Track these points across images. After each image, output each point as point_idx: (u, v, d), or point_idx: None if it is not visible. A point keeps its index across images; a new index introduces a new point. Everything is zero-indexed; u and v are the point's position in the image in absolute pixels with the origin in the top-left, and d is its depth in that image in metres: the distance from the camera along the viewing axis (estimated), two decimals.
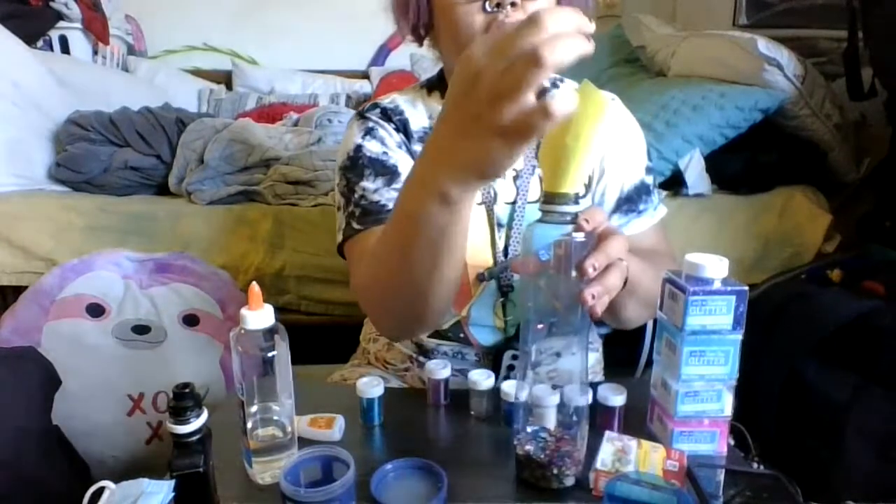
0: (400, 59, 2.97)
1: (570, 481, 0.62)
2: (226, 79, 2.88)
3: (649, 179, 0.88)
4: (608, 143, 0.87)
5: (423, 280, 0.62)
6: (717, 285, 0.61)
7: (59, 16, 2.34)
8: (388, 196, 0.79)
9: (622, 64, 2.06)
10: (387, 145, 0.84)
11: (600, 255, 0.56)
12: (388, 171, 0.81)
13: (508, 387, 0.73)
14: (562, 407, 0.62)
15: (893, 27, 1.34)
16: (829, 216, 1.52)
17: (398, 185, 0.80)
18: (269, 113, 2.28)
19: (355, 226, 0.79)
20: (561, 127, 0.50)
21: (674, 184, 1.50)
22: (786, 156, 1.55)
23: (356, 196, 0.81)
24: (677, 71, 1.82)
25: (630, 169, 0.88)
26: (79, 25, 2.38)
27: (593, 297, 0.56)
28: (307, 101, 2.58)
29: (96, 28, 2.42)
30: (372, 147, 0.83)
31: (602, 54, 2.12)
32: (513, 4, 0.71)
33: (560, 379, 0.61)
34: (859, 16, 1.44)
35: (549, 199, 0.55)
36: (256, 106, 2.50)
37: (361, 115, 0.87)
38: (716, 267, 0.61)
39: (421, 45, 0.86)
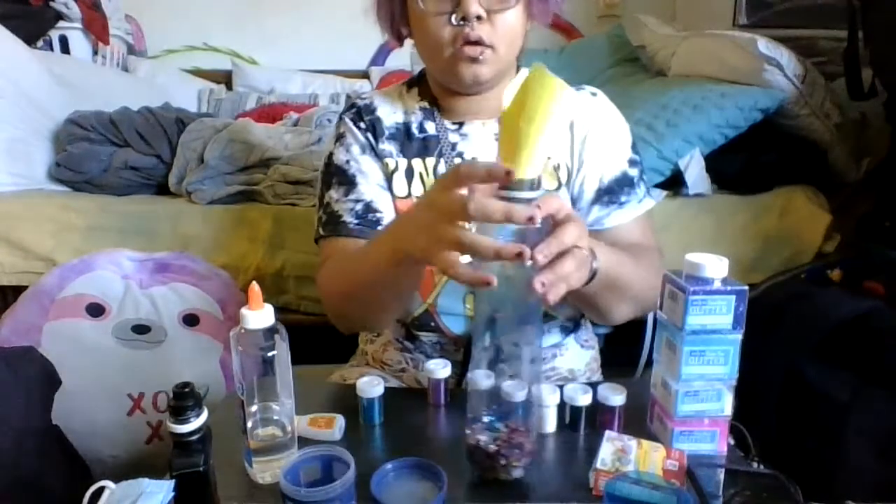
0: (400, 59, 2.96)
1: (518, 473, 0.62)
2: (226, 79, 2.88)
3: (633, 172, 0.88)
4: (589, 135, 0.87)
5: (373, 303, 0.74)
6: (717, 285, 0.61)
7: (59, 16, 2.34)
8: (344, 207, 0.84)
9: (622, 64, 2.06)
10: (351, 153, 0.87)
11: (552, 241, 0.56)
12: (347, 181, 0.85)
13: (509, 387, 0.73)
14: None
15: (893, 27, 1.34)
16: (829, 216, 1.51)
17: (354, 195, 0.84)
18: (269, 113, 2.27)
19: (321, 231, 0.85)
20: (515, 110, 0.52)
21: (674, 184, 1.50)
22: (785, 155, 1.55)
23: (324, 202, 0.86)
24: (677, 71, 1.82)
25: (610, 160, 0.87)
26: (79, 25, 2.38)
27: (543, 284, 0.55)
28: (307, 101, 2.58)
29: (96, 28, 2.41)
30: (339, 156, 0.87)
31: (602, 54, 2.12)
32: (478, 18, 0.74)
33: (514, 369, 0.61)
34: (859, 16, 1.44)
35: (506, 185, 0.54)
36: (256, 106, 2.50)
37: (340, 118, 0.91)
38: (716, 267, 0.62)
39: (401, 45, 0.89)
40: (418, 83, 0.92)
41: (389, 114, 0.89)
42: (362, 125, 0.88)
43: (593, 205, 0.86)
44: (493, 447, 0.61)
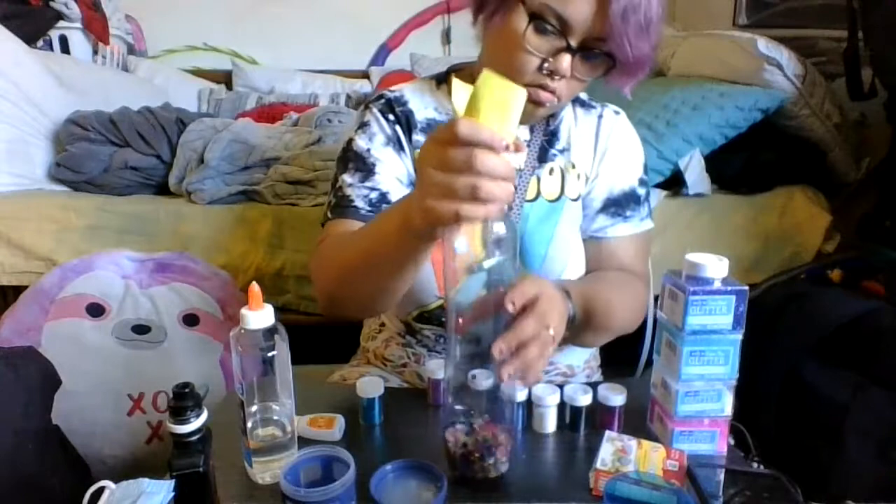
0: (400, 59, 2.97)
1: (503, 468, 0.62)
2: (226, 79, 2.88)
3: (641, 191, 0.91)
4: (609, 150, 0.89)
5: (370, 284, 0.70)
6: (717, 285, 0.62)
7: (59, 16, 2.33)
8: (357, 193, 0.83)
9: None
10: (373, 143, 0.86)
11: (510, 336, 0.58)
12: (365, 168, 0.84)
13: (508, 386, 0.73)
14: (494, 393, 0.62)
15: (893, 27, 1.34)
16: (829, 216, 1.52)
17: (370, 183, 0.83)
18: (269, 113, 2.27)
19: (329, 214, 0.84)
20: (472, 116, 0.51)
21: (674, 184, 1.50)
22: (785, 156, 1.55)
23: (337, 186, 0.85)
24: (677, 71, 1.82)
25: (622, 174, 0.90)
26: (79, 25, 2.37)
27: (510, 375, 0.58)
28: (307, 101, 2.58)
29: (96, 28, 2.41)
30: (360, 143, 0.86)
31: None
32: (561, 78, 0.75)
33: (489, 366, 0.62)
34: (859, 16, 1.44)
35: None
36: (256, 106, 2.50)
37: (366, 107, 0.89)
38: (716, 267, 0.62)
39: (475, 21, 0.84)
40: (446, 80, 0.91)
41: (421, 108, 0.88)
42: (391, 117, 0.87)
43: (600, 213, 0.89)
44: (470, 448, 0.61)
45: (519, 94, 0.50)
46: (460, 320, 0.60)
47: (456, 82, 0.53)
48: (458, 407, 0.63)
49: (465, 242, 0.56)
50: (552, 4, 0.71)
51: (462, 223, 0.51)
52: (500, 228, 0.56)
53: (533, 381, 0.60)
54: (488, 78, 0.50)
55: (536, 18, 0.72)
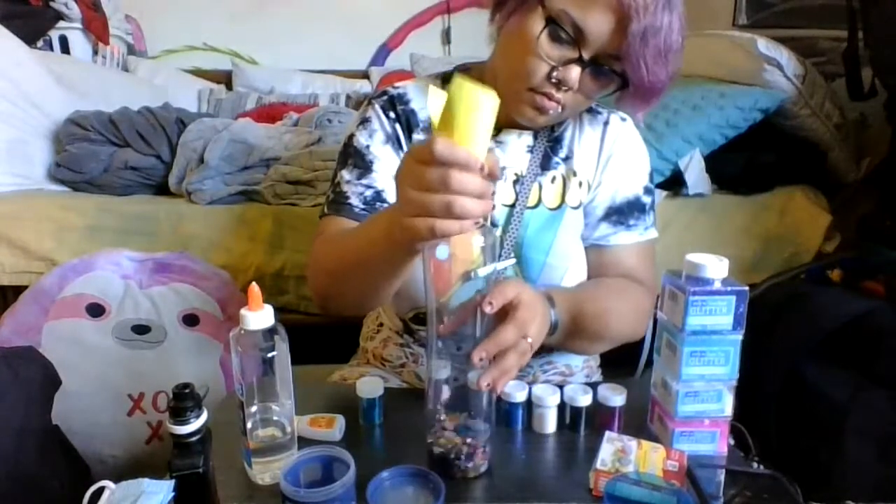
0: (400, 59, 2.97)
1: (473, 473, 0.63)
2: (226, 79, 2.89)
3: (646, 199, 0.89)
4: (612, 157, 0.88)
5: (361, 283, 0.71)
6: (717, 285, 0.62)
7: (59, 16, 2.34)
8: (353, 190, 0.83)
9: None
10: (373, 140, 0.86)
11: (489, 343, 0.59)
12: (363, 165, 0.84)
13: (509, 387, 0.73)
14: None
15: (893, 27, 1.34)
16: (829, 216, 1.52)
17: (367, 181, 0.83)
18: (269, 113, 2.27)
19: (325, 209, 0.85)
20: (446, 128, 0.51)
21: (674, 184, 1.50)
22: (785, 156, 1.55)
23: (335, 181, 0.86)
24: None
25: (627, 182, 0.89)
26: (79, 25, 2.38)
27: (488, 384, 0.59)
28: (307, 101, 2.58)
29: (96, 28, 2.42)
30: (360, 139, 0.86)
31: None
32: (567, 89, 0.74)
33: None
34: (859, 16, 1.44)
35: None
36: (256, 106, 2.50)
37: (369, 102, 0.89)
38: (716, 267, 0.62)
39: (493, 20, 0.83)
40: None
41: (422, 107, 0.87)
42: (392, 115, 0.86)
43: (602, 221, 0.88)
44: (449, 452, 0.62)
45: (492, 102, 0.50)
46: (441, 326, 0.61)
47: (432, 88, 0.53)
48: (439, 413, 0.63)
49: (447, 253, 0.57)
50: (571, 12, 0.70)
51: (438, 238, 0.53)
52: (478, 241, 0.57)
53: (503, 387, 0.61)
54: (461, 84, 0.50)
55: (553, 23, 0.71)
